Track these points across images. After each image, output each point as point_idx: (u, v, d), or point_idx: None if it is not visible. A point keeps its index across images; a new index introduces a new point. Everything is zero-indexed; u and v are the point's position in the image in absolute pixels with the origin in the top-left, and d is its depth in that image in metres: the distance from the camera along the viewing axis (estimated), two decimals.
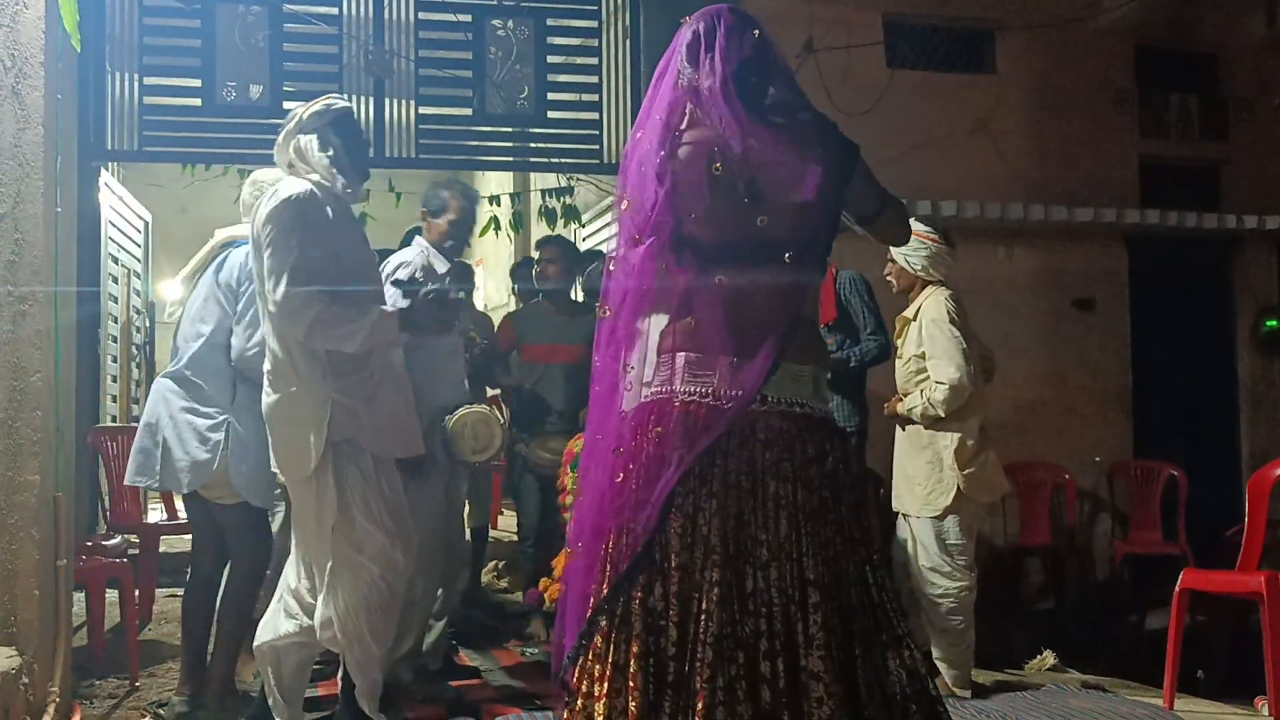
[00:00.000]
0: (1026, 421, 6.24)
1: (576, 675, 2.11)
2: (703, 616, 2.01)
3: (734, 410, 2.09)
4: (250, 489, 3.33)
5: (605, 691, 2.02)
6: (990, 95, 6.38)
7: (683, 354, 2.14)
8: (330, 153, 3.06)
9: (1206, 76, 6.93)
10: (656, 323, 2.19)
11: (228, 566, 3.49)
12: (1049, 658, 4.66)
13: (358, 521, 2.98)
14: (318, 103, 3.13)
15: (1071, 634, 5.09)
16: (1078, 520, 6.13)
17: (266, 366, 3.03)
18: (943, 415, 3.93)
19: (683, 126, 2.18)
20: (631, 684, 2.00)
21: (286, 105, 5.79)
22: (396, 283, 3.49)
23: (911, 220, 4.07)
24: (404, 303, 3.19)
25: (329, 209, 3.01)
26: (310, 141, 3.07)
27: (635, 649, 2.02)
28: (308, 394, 2.95)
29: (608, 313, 2.23)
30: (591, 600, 2.13)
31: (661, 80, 2.24)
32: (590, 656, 2.08)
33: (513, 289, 6.35)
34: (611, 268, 2.25)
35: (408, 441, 3.20)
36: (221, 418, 3.30)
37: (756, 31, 2.22)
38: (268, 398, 3.03)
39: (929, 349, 3.96)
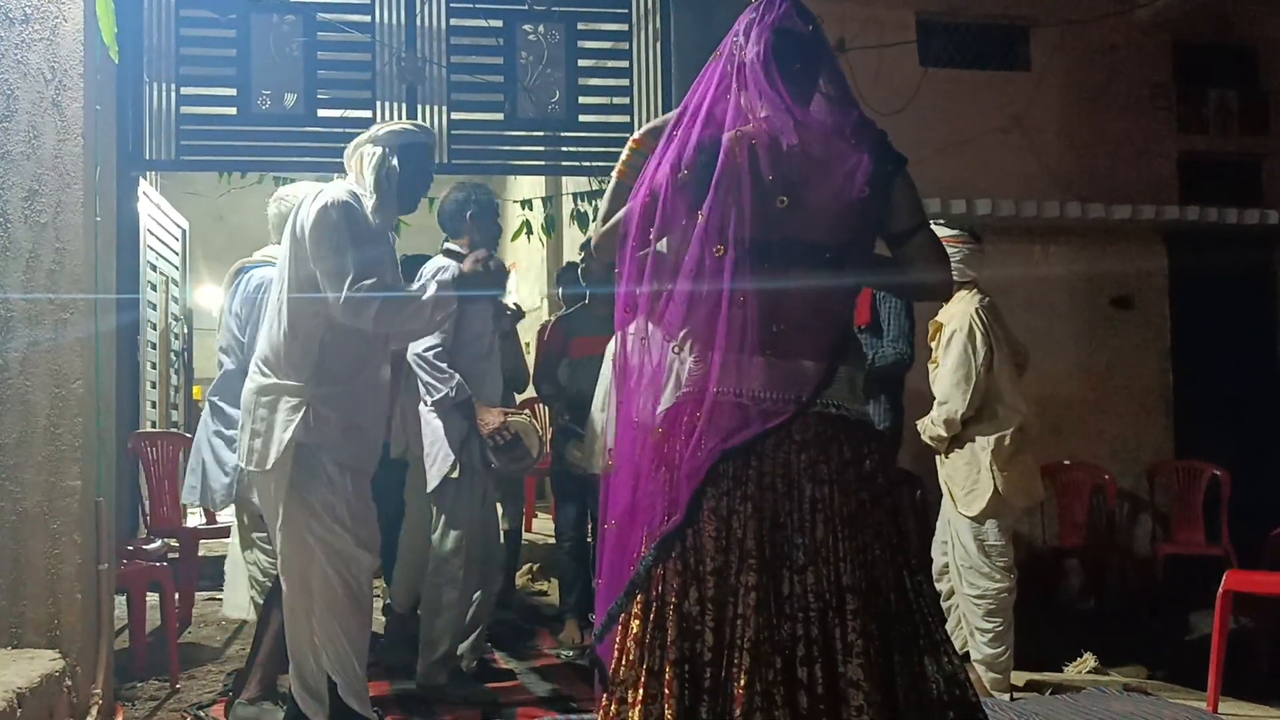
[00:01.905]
0: (1065, 421, 6.17)
1: (611, 680, 2.10)
2: (739, 621, 2.00)
3: (790, 414, 2.06)
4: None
5: (641, 698, 2.01)
6: (1025, 92, 6.31)
7: (717, 352, 2.12)
8: (382, 173, 3.09)
9: (1246, 70, 6.82)
10: (691, 314, 2.17)
11: None
12: (1089, 660, 4.60)
13: (324, 521, 3.00)
14: (397, 123, 3.20)
15: (1112, 636, 5.03)
16: (1118, 521, 6.05)
17: (264, 352, 3.07)
18: (945, 434, 3.94)
19: (726, 113, 2.14)
20: (667, 690, 1.99)
21: (321, 113, 5.87)
22: (448, 252, 3.54)
23: (937, 227, 4.04)
24: (452, 273, 3.21)
25: (366, 216, 3.05)
26: (373, 154, 3.10)
27: (671, 655, 2.00)
28: (288, 391, 2.99)
29: (640, 294, 2.22)
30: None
31: (712, 65, 2.21)
32: (625, 662, 2.08)
33: (558, 293, 6.37)
34: (640, 254, 2.22)
35: (369, 455, 3.19)
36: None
37: (811, 26, 2.19)
38: (252, 381, 3.07)
39: (942, 356, 3.95)
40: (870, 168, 2.10)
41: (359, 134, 3.24)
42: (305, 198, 3.10)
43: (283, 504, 3.00)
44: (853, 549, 2.05)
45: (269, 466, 2.98)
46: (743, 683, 1.95)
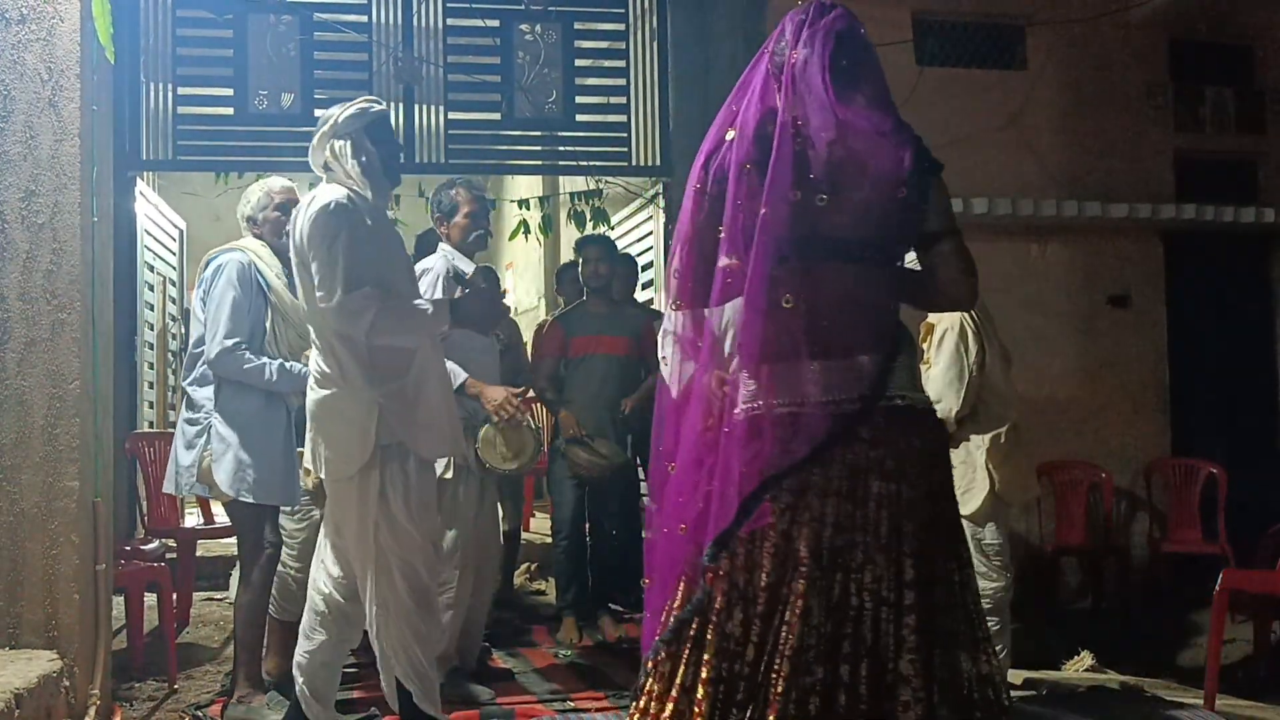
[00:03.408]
0: (1061, 420, 6.17)
1: (639, 686, 2.08)
2: (784, 629, 1.97)
3: (856, 414, 2.03)
4: (235, 485, 3.41)
5: (669, 714, 1.99)
6: (1021, 91, 6.31)
7: (767, 365, 2.08)
8: (363, 159, 3.03)
9: (1242, 68, 6.82)
10: (736, 322, 2.13)
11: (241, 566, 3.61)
12: (1086, 658, 4.61)
13: (399, 522, 2.96)
14: (354, 105, 3.08)
15: (1109, 634, 5.04)
16: (1115, 519, 6.06)
17: (313, 365, 3.05)
18: None
19: (768, 115, 2.14)
20: (696, 709, 1.97)
21: (318, 113, 5.86)
22: (458, 276, 3.48)
23: None
24: (428, 284, 3.18)
25: (365, 214, 3.00)
26: (344, 147, 3.03)
27: (704, 673, 1.98)
28: (355, 396, 2.94)
29: (679, 305, 2.20)
30: (674, 603, 2.10)
31: (753, 68, 2.20)
32: (656, 673, 2.05)
33: (556, 290, 6.38)
34: (677, 264, 2.20)
35: (451, 441, 3.19)
36: (205, 422, 3.47)
37: (863, 30, 2.21)
38: (313, 394, 3.02)
39: (934, 356, 3.95)
40: (909, 168, 2.10)
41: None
42: (301, 204, 3.04)
43: (369, 508, 2.93)
44: (915, 544, 2.03)
45: (353, 473, 2.92)
46: (780, 689, 1.93)
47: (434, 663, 3.09)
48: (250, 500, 3.43)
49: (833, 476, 2.03)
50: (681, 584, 2.11)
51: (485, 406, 3.74)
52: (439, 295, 3.73)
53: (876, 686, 1.96)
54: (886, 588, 1.99)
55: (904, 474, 2.05)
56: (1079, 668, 4.57)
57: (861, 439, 2.04)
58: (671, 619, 2.09)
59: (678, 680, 2.00)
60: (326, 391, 2.99)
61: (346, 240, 2.89)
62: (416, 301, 2.97)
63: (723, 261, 2.11)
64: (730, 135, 2.15)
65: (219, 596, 5.49)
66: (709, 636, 2.00)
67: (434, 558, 3.08)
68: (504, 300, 3.28)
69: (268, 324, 3.52)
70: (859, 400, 2.04)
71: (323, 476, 3.04)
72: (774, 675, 1.95)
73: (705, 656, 1.99)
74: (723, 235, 2.11)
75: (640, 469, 5.37)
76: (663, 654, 2.06)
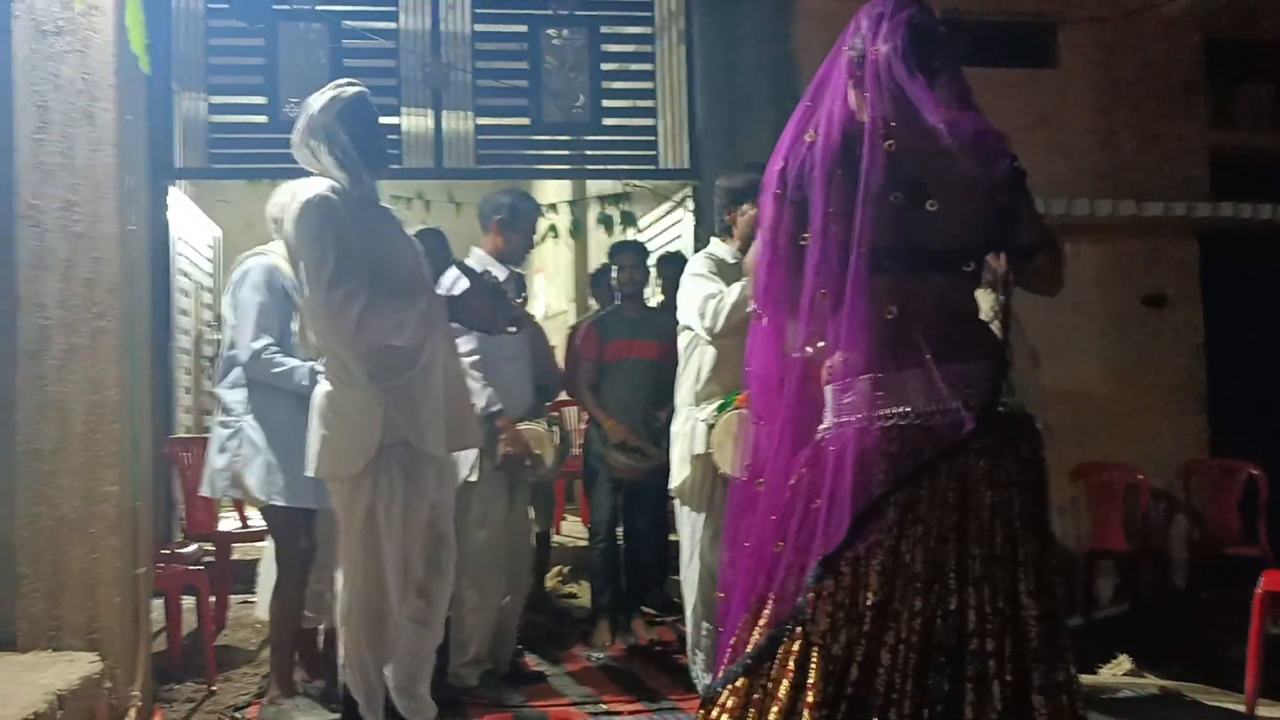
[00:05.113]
0: (1097, 421, 6.10)
1: (707, 700, 2.04)
2: (902, 647, 1.91)
3: (970, 424, 1.96)
4: (266, 489, 3.42)
5: None
6: (1053, 90, 6.26)
7: (867, 376, 2.00)
8: (338, 153, 2.95)
9: (1277, 65, 6.74)
10: (832, 329, 2.04)
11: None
12: (1124, 662, 4.55)
13: (380, 530, 2.87)
14: (323, 95, 2.98)
15: (1147, 638, 4.97)
16: (1153, 521, 5.99)
17: (323, 362, 3.03)
18: None
19: (851, 110, 2.06)
20: None
21: None
22: (460, 265, 3.45)
23: None
24: (457, 290, 3.14)
25: (354, 206, 2.91)
26: (319, 146, 2.96)
27: (812, 698, 1.91)
28: (357, 394, 2.87)
29: (762, 315, 2.13)
30: (762, 622, 2.04)
31: (830, 65, 2.13)
32: (732, 687, 1.99)
33: (591, 294, 6.39)
34: (762, 271, 2.13)
35: (460, 436, 3.10)
36: (237, 425, 3.49)
37: (942, 29, 2.14)
38: (319, 388, 2.97)
39: None
40: (1010, 174, 2.04)
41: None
42: (288, 201, 2.98)
43: (359, 510, 2.87)
44: (1033, 552, 1.98)
45: (354, 475, 2.87)
46: (902, 709, 1.89)
47: (381, 677, 2.99)
48: (282, 504, 3.45)
49: (940, 488, 1.95)
50: (770, 603, 2.03)
51: (500, 446, 3.72)
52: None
53: (1005, 700, 1.91)
54: (1002, 599, 1.94)
55: (1017, 482, 1.99)
56: (1117, 672, 4.52)
57: (970, 449, 1.97)
58: (759, 638, 2.01)
59: (778, 703, 1.92)
60: (329, 387, 2.93)
61: (332, 236, 2.81)
62: (406, 300, 2.86)
63: (812, 274, 2.01)
64: (810, 136, 2.05)
65: (254, 599, 5.54)
66: (814, 661, 1.92)
67: (402, 578, 2.94)
68: (510, 300, 3.17)
69: (294, 326, 3.54)
70: (961, 410, 1.98)
71: (317, 475, 2.96)
72: (894, 694, 1.89)
73: (810, 680, 1.91)
74: (811, 244, 2.02)
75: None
76: (745, 672, 2.00)
